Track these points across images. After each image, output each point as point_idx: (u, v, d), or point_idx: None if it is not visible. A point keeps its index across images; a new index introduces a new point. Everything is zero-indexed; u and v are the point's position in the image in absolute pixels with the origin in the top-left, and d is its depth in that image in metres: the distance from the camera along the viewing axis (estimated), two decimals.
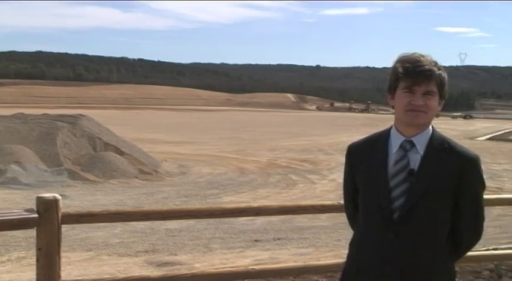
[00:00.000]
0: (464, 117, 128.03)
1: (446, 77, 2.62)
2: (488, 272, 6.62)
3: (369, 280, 2.65)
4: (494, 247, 9.82)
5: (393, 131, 2.67)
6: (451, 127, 74.21)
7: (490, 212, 14.49)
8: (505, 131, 71.53)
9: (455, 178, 2.57)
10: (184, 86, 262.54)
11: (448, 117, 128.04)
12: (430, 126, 2.64)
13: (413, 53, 2.61)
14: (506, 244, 10.77)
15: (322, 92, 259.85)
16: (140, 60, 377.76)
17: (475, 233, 2.75)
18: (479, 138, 54.28)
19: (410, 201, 2.55)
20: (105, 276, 7.53)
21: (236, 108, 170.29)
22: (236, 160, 29.12)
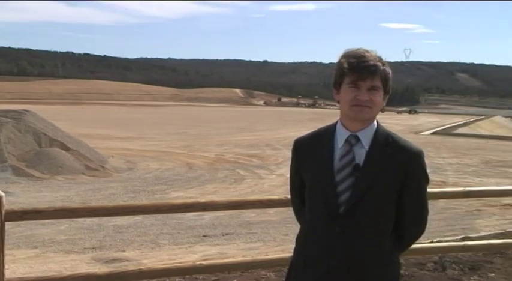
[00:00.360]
0: (409, 112, 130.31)
1: (390, 72, 2.66)
2: (432, 264, 6.77)
3: (316, 274, 2.68)
4: (438, 239, 10.05)
5: (339, 126, 2.71)
6: (396, 122, 75.30)
7: (434, 206, 14.81)
8: (449, 125, 73.08)
9: (399, 172, 2.62)
10: (131, 81, 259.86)
11: (394, 112, 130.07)
12: (375, 122, 2.69)
13: (358, 49, 2.64)
14: (450, 236, 11.02)
15: (269, 87, 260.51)
16: (86, 55, 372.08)
17: (419, 226, 2.82)
18: (423, 133, 55.29)
19: (356, 195, 2.59)
20: (51, 273, 7.44)
21: (183, 103, 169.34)
22: (184, 155, 29.00)
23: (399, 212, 2.70)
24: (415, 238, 2.87)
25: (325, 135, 2.75)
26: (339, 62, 2.66)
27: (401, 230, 2.76)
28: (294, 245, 2.89)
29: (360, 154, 2.63)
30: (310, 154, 2.76)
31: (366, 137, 2.65)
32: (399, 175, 2.63)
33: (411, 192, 2.68)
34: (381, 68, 2.59)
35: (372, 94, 2.58)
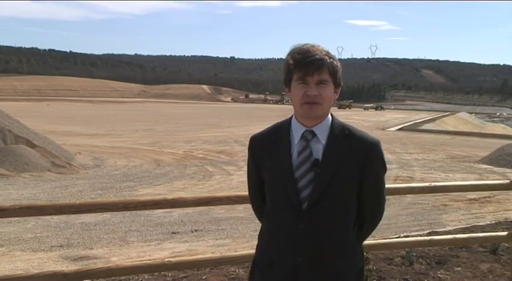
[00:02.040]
0: (376, 109, 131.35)
1: (338, 65, 2.66)
2: (400, 258, 6.85)
3: (282, 272, 2.68)
4: (405, 234, 10.18)
5: (294, 122, 2.71)
6: (363, 118, 75.97)
7: (401, 201, 15.02)
8: (415, 121, 73.89)
9: (358, 163, 2.65)
10: (97, 78, 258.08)
11: (360, 109, 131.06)
12: (329, 115, 2.70)
13: (304, 44, 2.65)
14: (417, 231, 11.14)
15: (237, 83, 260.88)
16: (51, 51, 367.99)
17: (377, 215, 2.85)
18: (390, 129, 55.76)
19: (318, 190, 2.60)
20: (18, 272, 7.35)
21: (151, 100, 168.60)
22: (152, 152, 28.85)
23: (359, 202, 2.73)
24: (374, 226, 2.90)
25: (281, 131, 2.74)
26: (286, 60, 2.66)
27: (361, 220, 2.79)
28: (257, 243, 2.89)
29: (318, 149, 2.64)
30: (267, 150, 2.75)
31: (322, 132, 2.66)
32: (358, 166, 2.65)
33: (370, 182, 2.71)
34: (328, 61, 2.59)
35: (321, 88, 2.58)
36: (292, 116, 2.74)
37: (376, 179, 2.74)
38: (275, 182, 2.71)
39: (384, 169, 2.78)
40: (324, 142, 2.64)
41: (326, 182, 2.60)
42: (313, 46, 2.62)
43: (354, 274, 2.74)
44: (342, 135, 2.66)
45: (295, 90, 2.62)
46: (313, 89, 2.57)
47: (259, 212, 2.99)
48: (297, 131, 2.68)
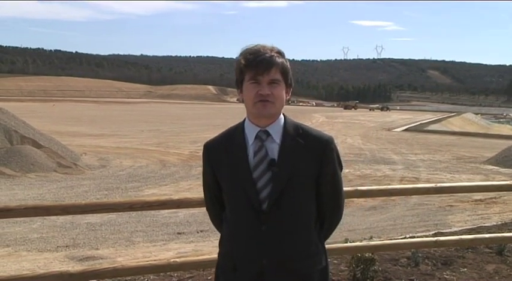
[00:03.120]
0: (382, 109, 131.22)
1: (288, 65, 2.67)
2: (405, 259, 6.83)
3: (249, 275, 2.66)
4: (411, 235, 10.15)
5: (247, 123, 2.72)
6: (368, 119, 75.85)
7: (407, 202, 15.00)
8: (421, 122, 73.83)
9: (314, 161, 2.66)
10: (103, 78, 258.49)
11: (366, 109, 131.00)
12: (282, 115, 2.71)
13: (255, 45, 2.66)
14: (422, 232, 11.13)
15: None
16: (57, 51, 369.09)
17: (337, 211, 2.85)
18: (396, 130, 55.71)
19: (276, 190, 2.60)
20: (24, 272, 7.37)
21: (157, 100, 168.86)
22: (158, 152, 28.90)
23: (318, 200, 2.74)
24: (334, 224, 2.89)
25: (235, 134, 2.75)
26: (237, 60, 2.66)
27: (321, 218, 2.79)
28: (219, 250, 2.88)
29: (273, 148, 2.64)
30: (223, 155, 2.75)
31: (276, 131, 2.66)
32: (315, 164, 2.66)
33: (327, 179, 2.71)
34: (279, 60, 2.60)
35: (273, 88, 2.59)
36: (244, 119, 2.75)
37: (333, 176, 2.74)
38: (234, 185, 2.70)
39: (340, 166, 2.79)
40: (278, 141, 2.64)
41: (284, 181, 2.60)
42: (264, 46, 2.64)
43: (318, 273, 2.72)
44: (296, 133, 2.67)
45: (247, 90, 2.62)
46: (266, 88, 2.57)
47: (218, 220, 2.98)
48: (251, 132, 2.68)
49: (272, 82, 2.58)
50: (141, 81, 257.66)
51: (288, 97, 2.70)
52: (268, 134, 2.65)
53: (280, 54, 2.64)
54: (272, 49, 2.62)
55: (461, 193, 12.34)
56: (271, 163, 2.61)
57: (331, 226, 2.87)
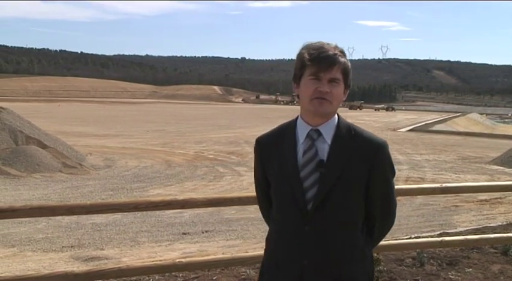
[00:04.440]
0: (387, 109, 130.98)
1: (350, 66, 2.62)
2: (411, 259, 6.82)
3: (289, 275, 2.64)
4: (416, 235, 10.14)
5: (299, 121, 2.68)
6: (374, 119, 75.82)
7: (412, 202, 14.97)
8: (426, 122, 73.72)
9: (365, 165, 2.60)
10: (108, 78, 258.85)
11: (371, 109, 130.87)
12: (336, 115, 2.66)
13: (318, 41, 2.61)
14: (428, 232, 11.11)
15: (248, 84, 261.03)
16: (62, 51, 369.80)
17: (387, 219, 2.78)
18: (401, 130, 55.64)
19: (323, 191, 2.56)
20: (30, 272, 7.38)
21: (162, 100, 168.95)
22: (163, 152, 28.93)
23: (367, 205, 2.68)
24: (384, 231, 2.83)
25: (287, 131, 2.71)
26: (300, 54, 2.61)
27: (370, 223, 2.74)
28: (265, 247, 2.87)
29: (323, 149, 2.60)
30: (273, 151, 2.71)
31: (327, 131, 2.61)
32: (365, 168, 2.60)
33: (378, 184, 2.66)
34: (341, 59, 2.56)
35: (332, 87, 2.55)
36: (297, 117, 2.71)
37: (384, 182, 2.69)
38: (281, 183, 2.67)
39: (392, 172, 2.72)
40: (329, 141, 2.60)
41: (331, 183, 2.56)
42: (328, 43, 2.59)
43: (362, 278, 2.68)
44: (348, 135, 2.62)
45: (306, 85, 2.58)
46: (325, 86, 2.53)
47: (266, 216, 2.96)
48: (303, 130, 2.64)
49: (332, 81, 2.54)
50: (146, 82, 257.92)
51: (344, 98, 2.65)
52: (319, 133, 2.61)
53: (343, 53, 2.60)
54: (336, 47, 2.58)
55: (467, 193, 12.32)
56: (320, 164, 2.57)
57: (381, 232, 2.81)
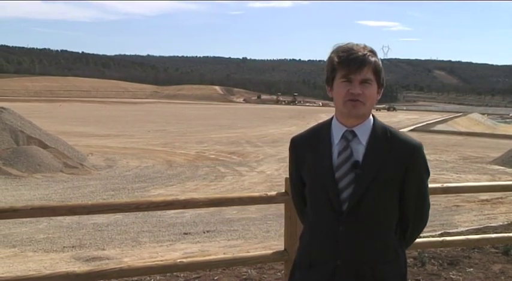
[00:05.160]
0: (388, 109, 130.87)
1: (381, 64, 2.62)
2: (412, 259, 6.82)
3: (321, 274, 2.64)
4: None
5: (334, 122, 2.68)
6: None
7: None
8: (427, 122, 73.74)
9: (400, 166, 2.60)
10: (110, 78, 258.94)
11: (373, 109, 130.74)
12: (371, 116, 2.66)
13: (348, 43, 2.61)
14: (429, 232, 11.09)
15: (249, 84, 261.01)
16: (63, 51, 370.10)
17: (421, 219, 2.79)
18: (402, 130, 55.28)
19: (358, 192, 2.56)
20: (31, 273, 7.39)
21: (163, 100, 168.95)
22: (164, 152, 28.93)
23: (402, 206, 2.69)
24: (418, 231, 2.85)
25: (322, 132, 2.72)
26: (330, 57, 2.62)
27: (404, 224, 2.75)
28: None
29: (358, 150, 2.60)
30: (308, 151, 2.73)
31: (363, 133, 2.62)
32: (400, 169, 2.60)
33: (412, 186, 2.66)
34: (372, 59, 2.56)
35: (365, 88, 2.54)
36: (332, 117, 2.71)
37: (419, 183, 2.69)
38: (316, 183, 2.68)
39: (427, 173, 2.73)
40: (364, 142, 2.61)
41: (366, 184, 2.56)
42: (357, 44, 2.59)
43: (396, 279, 2.69)
44: (383, 137, 2.62)
45: (339, 88, 2.58)
46: (357, 88, 2.53)
47: (301, 215, 2.97)
48: (338, 131, 2.64)
49: (364, 81, 2.54)
50: (148, 82, 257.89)
51: (379, 97, 2.65)
52: (354, 134, 2.61)
53: (373, 53, 2.59)
54: (365, 48, 2.58)
55: (468, 193, 12.32)
56: (355, 165, 2.58)
57: (414, 232, 2.82)
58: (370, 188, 2.57)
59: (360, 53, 2.54)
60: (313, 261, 2.69)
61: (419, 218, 2.78)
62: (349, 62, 2.52)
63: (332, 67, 2.60)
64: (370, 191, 2.57)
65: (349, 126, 2.62)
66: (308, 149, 2.73)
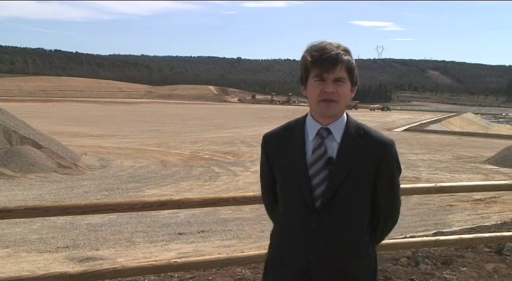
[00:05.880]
0: (382, 109, 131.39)
1: (354, 63, 2.65)
2: (406, 259, 6.84)
3: (294, 270, 2.66)
4: (411, 234, 10.15)
5: (309, 119, 2.70)
6: (369, 119, 75.82)
7: (407, 201, 14.96)
8: (421, 122, 73.90)
9: (373, 164, 2.63)
10: (104, 78, 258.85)
11: (366, 109, 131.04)
12: (345, 114, 2.68)
13: (321, 42, 2.63)
14: (423, 231, 11.12)
15: (243, 84, 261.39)
16: (57, 51, 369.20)
17: (392, 217, 2.82)
18: (396, 130, 55.74)
19: (331, 189, 2.58)
20: (24, 273, 7.37)
21: (157, 100, 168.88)
22: (158, 152, 28.89)
23: (373, 203, 2.71)
24: (388, 228, 2.87)
25: (296, 129, 2.73)
26: (303, 57, 2.64)
27: (375, 221, 2.77)
28: (269, 242, 2.88)
29: (332, 147, 2.62)
30: (281, 148, 2.73)
31: (337, 130, 2.64)
32: (373, 166, 2.63)
33: (384, 183, 2.69)
34: (345, 58, 2.58)
35: (338, 86, 2.57)
36: (307, 114, 2.73)
37: (390, 180, 2.73)
38: (289, 180, 2.69)
39: (399, 170, 2.76)
40: (338, 140, 2.63)
41: (340, 180, 2.58)
42: (330, 43, 2.61)
43: (366, 276, 2.71)
44: (357, 134, 2.65)
45: (312, 87, 2.61)
46: (330, 86, 2.55)
47: (272, 212, 2.97)
48: (312, 128, 2.66)
49: (337, 80, 2.56)
50: (142, 82, 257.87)
51: (352, 95, 2.68)
52: (329, 132, 2.64)
53: (347, 51, 2.62)
54: (338, 46, 2.60)
55: (461, 192, 12.37)
56: (329, 161, 2.60)
57: (384, 229, 2.85)
58: (343, 185, 2.59)
59: (333, 52, 2.56)
60: (286, 258, 2.70)
61: (390, 215, 2.81)
62: (322, 61, 2.55)
63: (305, 67, 2.63)
64: (343, 188, 2.59)
65: (323, 124, 2.64)
66: (281, 146, 2.74)
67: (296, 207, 2.66)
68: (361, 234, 2.70)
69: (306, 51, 2.64)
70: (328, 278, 2.63)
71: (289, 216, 2.72)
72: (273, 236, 2.85)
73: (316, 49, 2.59)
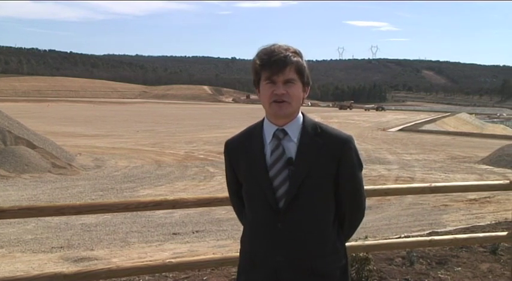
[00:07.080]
0: (377, 109, 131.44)
1: (304, 63, 2.68)
2: (400, 259, 6.85)
3: (264, 272, 2.69)
4: (406, 234, 10.17)
5: (266, 122, 2.74)
6: (363, 119, 75.92)
7: (402, 201, 15.03)
8: (415, 122, 74.04)
9: (333, 160, 2.66)
10: (98, 78, 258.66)
11: (361, 109, 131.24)
12: (300, 114, 2.73)
13: (271, 45, 2.68)
14: (417, 231, 11.14)
15: (238, 84, 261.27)
16: (52, 51, 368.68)
17: (357, 211, 2.85)
18: (391, 130, 55.80)
19: (293, 188, 2.62)
20: (19, 273, 7.35)
21: (152, 100, 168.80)
22: (153, 152, 28.86)
23: (337, 200, 2.74)
24: (354, 224, 2.89)
25: (254, 133, 2.78)
26: (253, 61, 2.69)
27: (341, 217, 2.80)
28: (240, 248, 2.91)
29: (290, 147, 2.66)
30: (242, 153, 2.79)
31: (293, 130, 2.67)
32: (333, 163, 2.66)
33: (346, 178, 2.71)
34: (293, 59, 2.61)
35: (288, 87, 2.60)
36: (264, 118, 2.77)
37: (351, 176, 2.74)
38: (251, 183, 2.73)
39: (360, 166, 2.78)
40: (295, 140, 2.66)
41: (301, 179, 2.61)
42: (279, 46, 2.64)
43: (337, 271, 2.73)
44: (314, 133, 2.68)
45: (264, 90, 2.65)
46: (281, 88, 2.59)
47: (240, 215, 3.02)
48: (269, 130, 2.70)
49: (287, 82, 2.60)
50: (136, 82, 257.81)
51: (305, 95, 2.71)
52: (285, 132, 2.67)
53: (296, 53, 2.65)
54: (288, 49, 2.63)
55: (456, 192, 12.38)
56: (289, 162, 2.63)
57: (351, 225, 2.87)
58: (304, 184, 2.62)
59: (281, 55, 2.60)
60: (256, 260, 2.74)
61: (355, 210, 2.84)
62: (271, 64, 2.59)
63: (256, 70, 2.67)
64: (305, 187, 2.63)
65: (279, 125, 2.68)
66: (242, 151, 2.80)
67: (261, 209, 2.70)
68: (328, 231, 2.72)
69: (256, 55, 2.68)
70: (297, 278, 2.66)
71: (255, 219, 2.76)
72: (243, 241, 2.89)
73: (265, 53, 2.63)
